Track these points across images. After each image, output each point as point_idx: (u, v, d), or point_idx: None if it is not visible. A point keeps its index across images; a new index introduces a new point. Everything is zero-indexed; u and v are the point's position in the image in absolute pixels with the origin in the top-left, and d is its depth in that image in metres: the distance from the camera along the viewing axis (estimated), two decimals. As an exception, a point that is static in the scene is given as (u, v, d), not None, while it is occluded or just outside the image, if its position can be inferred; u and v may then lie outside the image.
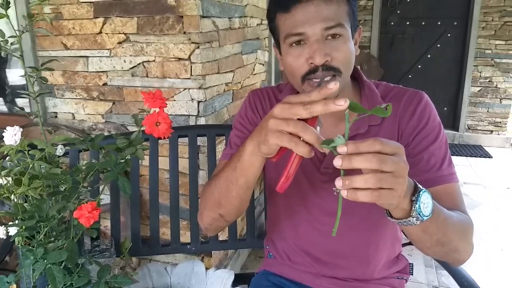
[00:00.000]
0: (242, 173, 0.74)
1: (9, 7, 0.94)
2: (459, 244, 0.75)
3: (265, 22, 2.43)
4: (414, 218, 0.61)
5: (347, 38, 0.80)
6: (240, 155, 0.73)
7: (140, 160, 1.30)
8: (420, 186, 0.62)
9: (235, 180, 0.77)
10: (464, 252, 0.78)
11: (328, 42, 0.78)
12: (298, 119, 0.56)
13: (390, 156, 0.52)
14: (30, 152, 0.84)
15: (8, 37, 0.93)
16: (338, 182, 0.52)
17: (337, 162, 0.51)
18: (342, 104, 0.51)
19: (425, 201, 0.61)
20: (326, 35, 0.78)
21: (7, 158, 0.88)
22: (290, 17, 0.80)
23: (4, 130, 0.84)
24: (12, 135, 0.80)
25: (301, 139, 0.55)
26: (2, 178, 0.83)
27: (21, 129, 0.83)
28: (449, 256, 0.78)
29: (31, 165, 0.84)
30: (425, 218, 0.61)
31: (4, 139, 0.82)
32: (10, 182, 0.84)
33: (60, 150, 0.94)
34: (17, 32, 0.94)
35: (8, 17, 0.92)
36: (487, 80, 4.26)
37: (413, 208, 0.60)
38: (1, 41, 0.93)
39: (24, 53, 0.92)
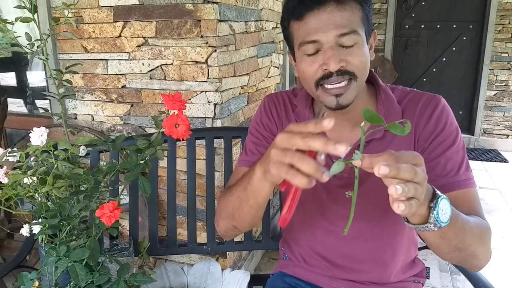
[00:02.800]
0: (252, 195, 0.75)
1: (37, 11, 0.97)
2: (477, 250, 0.74)
3: (280, 25, 2.45)
4: (432, 225, 0.61)
5: (361, 44, 0.80)
6: (250, 177, 0.73)
7: (158, 161, 1.33)
8: (439, 193, 0.61)
9: (246, 200, 0.77)
10: (482, 258, 0.77)
11: (342, 48, 0.79)
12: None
13: (417, 168, 0.53)
14: (55, 152, 0.86)
15: (35, 41, 0.97)
16: (392, 189, 0.51)
17: (384, 170, 0.50)
18: (342, 150, 0.51)
19: (444, 208, 0.61)
20: (340, 42, 0.78)
21: (32, 158, 0.91)
22: (303, 25, 0.80)
23: (26, 131, 0.87)
24: (39, 136, 0.83)
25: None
26: (28, 178, 0.86)
27: (48, 130, 0.85)
28: (467, 262, 0.77)
29: (55, 165, 0.86)
30: (443, 224, 0.61)
31: (31, 139, 0.85)
32: (35, 181, 0.87)
33: (82, 151, 0.97)
34: (44, 35, 0.98)
35: (35, 21, 0.95)
36: (503, 84, 4.20)
37: (431, 215, 0.60)
38: (28, 44, 0.97)
39: (44, 55, 0.95)
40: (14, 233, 1.91)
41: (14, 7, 0.98)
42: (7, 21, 0.96)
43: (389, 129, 0.52)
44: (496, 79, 4.21)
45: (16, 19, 0.94)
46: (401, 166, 0.51)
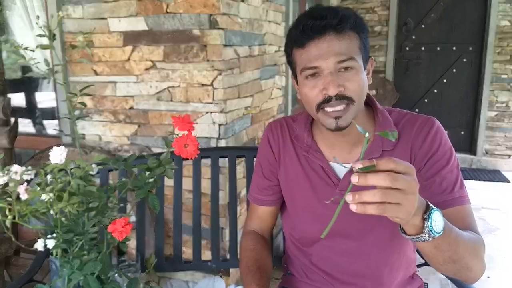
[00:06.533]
0: None
1: (55, 39, 1.04)
2: (470, 262, 0.78)
3: (282, 49, 2.54)
4: (426, 235, 0.65)
5: (358, 69, 0.86)
6: None
7: (165, 180, 1.37)
8: (432, 205, 0.66)
9: None
10: (476, 270, 0.80)
11: (341, 74, 0.85)
12: None
13: (401, 175, 0.58)
14: (71, 170, 0.92)
15: (53, 66, 1.03)
16: (349, 197, 0.58)
17: (354, 179, 0.58)
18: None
19: (437, 219, 0.66)
20: (339, 68, 0.84)
21: (48, 176, 0.96)
22: (305, 52, 0.86)
23: (35, 150, 0.93)
24: (59, 155, 0.88)
25: None
26: (46, 194, 0.91)
27: (67, 150, 0.90)
28: (461, 273, 0.80)
29: (72, 182, 0.91)
30: (436, 234, 0.66)
31: (51, 157, 0.90)
32: (51, 198, 0.92)
33: (94, 169, 1.02)
34: (61, 61, 1.04)
35: (54, 48, 1.02)
36: (504, 105, 4.26)
37: (425, 225, 0.65)
38: (47, 69, 1.03)
39: (58, 79, 1.01)
40: (21, 250, 1.95)
41: (36, 35, 1.05)
42: (28, 48, 1.03)
43: (381, 135, 0.60)
44: (497, 100, 4.26)
45: (37, 47, 1.01)
46: (371, 175, 0.57)
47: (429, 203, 0.67)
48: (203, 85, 1.73)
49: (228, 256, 1.36)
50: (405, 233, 0.69)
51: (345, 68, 0.85)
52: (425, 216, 0.65)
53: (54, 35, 1.03)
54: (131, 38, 1.80)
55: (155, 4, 1.72)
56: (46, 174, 0.95)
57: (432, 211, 0.65)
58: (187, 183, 1.41)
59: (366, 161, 0.58)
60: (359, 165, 0.57)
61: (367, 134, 0.58)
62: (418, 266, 1.13)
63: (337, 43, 0.83)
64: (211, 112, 1.75)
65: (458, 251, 0.74)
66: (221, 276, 1.85)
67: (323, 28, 0.83)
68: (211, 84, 1.71)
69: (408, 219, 0.62)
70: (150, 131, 1.87)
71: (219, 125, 1.75)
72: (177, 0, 1.68)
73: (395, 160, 0.58)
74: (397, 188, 0.57)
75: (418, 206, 0.63)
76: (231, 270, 1.83)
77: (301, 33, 0.85)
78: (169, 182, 1.29)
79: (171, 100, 1.79)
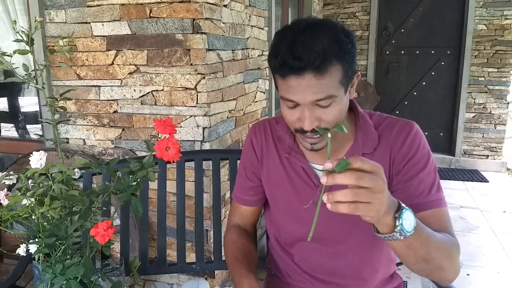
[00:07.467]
0: None
1: (33, 43, 1.04)
2: (443, 263, 0.79)
3: (266, 53, 2.57)
4: (398, 233, 0.68)
5: (338, 101, 0.84)
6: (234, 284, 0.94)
7: (148, 183, 1.38)
8: (403, 205, 0.68)
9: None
10: (449, 271, 0.82)
11: (319, 107, 0.83)
12: None
13: (367, 174, 0.60)
14: (52, 175, 0.92)
15: (32, 71, 1.03)
16: (325, 198, 0.61)
17: (323, 179, 0.60)
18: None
19: (408, 218, 0.68)
20: (317, 103, 0.82)
21: (29, 181, 0.96)
22: (285, 83, 0.83)
23: (18, 155, 0.93)
24: (38, 159, 0.88)
25: None
26: (27, 199, 0.91)
27: (46, 154, 0.91)
28: (434, 274, 0.83)
29: (53, 187, 0.91)
30: (408, 233, 0.68)
31: (30, 162, 0.90)
32: (33, 202, 0.92)
33: (76, 173, 1.02)
34: (40, 66, 1.04)
35: (33, 52, 1.02)
36: (481, 106, 4.37)
37: (396, 224, 0.67)
38: (26, 74, 1.03)
39: (40, 83, 1.01)
40: (4, 256, 1.92)
41: (13, 40, 1.04)
42: (6, 54, 1.02)
43: (335, 130, 0.64)
44: (474, 102, 4.38)
45: (15, 52, 1.01)
46: (338, 174, 0.59)
47: (401, 203, 0.69)
48: (186, 88, 1.74)
49: (212, 258, 1.38)
50: (378, 232, 0.70)
51: (323, 105, 0.83)
52: (397, 215, 0.67)
53: (33, 39, 1.03)
54: (115, 42, 1.80)
55: (138, 9, 1.73)
56: (28, 179, 0.95)
57: (403, 210, 0.67)
58: (171, 186, 1.42)
59: (334, 160, 0.60)
60: (329, 165, 0.60)
61: (329, 135, 0.62)
62: (398, 264, 1.16)
63: (315, 83, 0.80)
64: (195, 116, 1.76)
65: (430, 251, 0.76)
66: (206, 279, 1.85)
67: (303, 69, 0.79)
68: (195, 88, 1.73)
69: (379, 218, 0.64)
70: (134, 134, 1.87)
71: (203, 128, 1.77)
72: (160, 5, 1.69)
73: (362, 159, 0.60)
74: (365, 187, 0.59)
75: (390, 205, 0.65)
76: (216, 272, 1.84)
77: (280, 66, 0.82)
78: (153, 185, 1.30)
79: (155, 104, 1.80)
